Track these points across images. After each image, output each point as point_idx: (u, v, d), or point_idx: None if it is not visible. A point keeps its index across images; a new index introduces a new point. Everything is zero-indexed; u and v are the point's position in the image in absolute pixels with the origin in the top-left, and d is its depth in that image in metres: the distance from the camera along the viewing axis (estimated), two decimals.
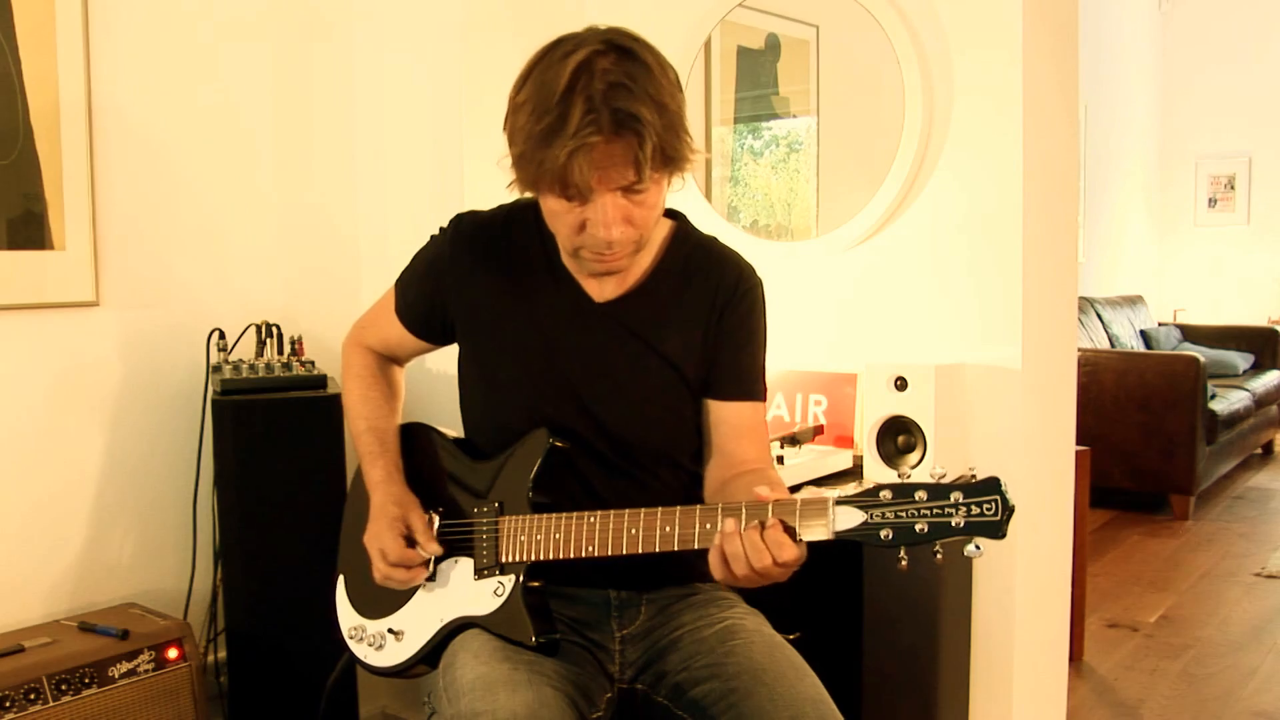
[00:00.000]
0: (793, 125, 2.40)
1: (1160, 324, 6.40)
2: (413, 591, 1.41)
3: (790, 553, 1.12)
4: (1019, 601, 2.01)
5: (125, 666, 1.93)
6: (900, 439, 1.95)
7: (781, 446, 1.98)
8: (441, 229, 1.46)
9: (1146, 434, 4.64)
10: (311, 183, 2.53)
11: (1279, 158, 6.84)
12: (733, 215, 2.42)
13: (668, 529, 1.21)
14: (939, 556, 1.09)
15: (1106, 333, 5.62)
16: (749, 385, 1.42)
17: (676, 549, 1.20)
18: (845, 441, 2.11)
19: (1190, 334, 6.36)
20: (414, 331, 1.51)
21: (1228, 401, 5.01)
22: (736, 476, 1.36)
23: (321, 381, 2.19)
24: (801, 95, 2.35)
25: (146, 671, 1.96)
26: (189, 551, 2.32)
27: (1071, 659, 2.74)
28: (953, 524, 1.07)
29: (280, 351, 2.25)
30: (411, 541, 1.38)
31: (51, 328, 2.12)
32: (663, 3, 2.42)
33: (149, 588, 2.27)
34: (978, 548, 1.07)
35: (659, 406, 1.39)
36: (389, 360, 1.59)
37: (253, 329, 2.26)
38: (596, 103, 1.14)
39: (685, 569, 1.42)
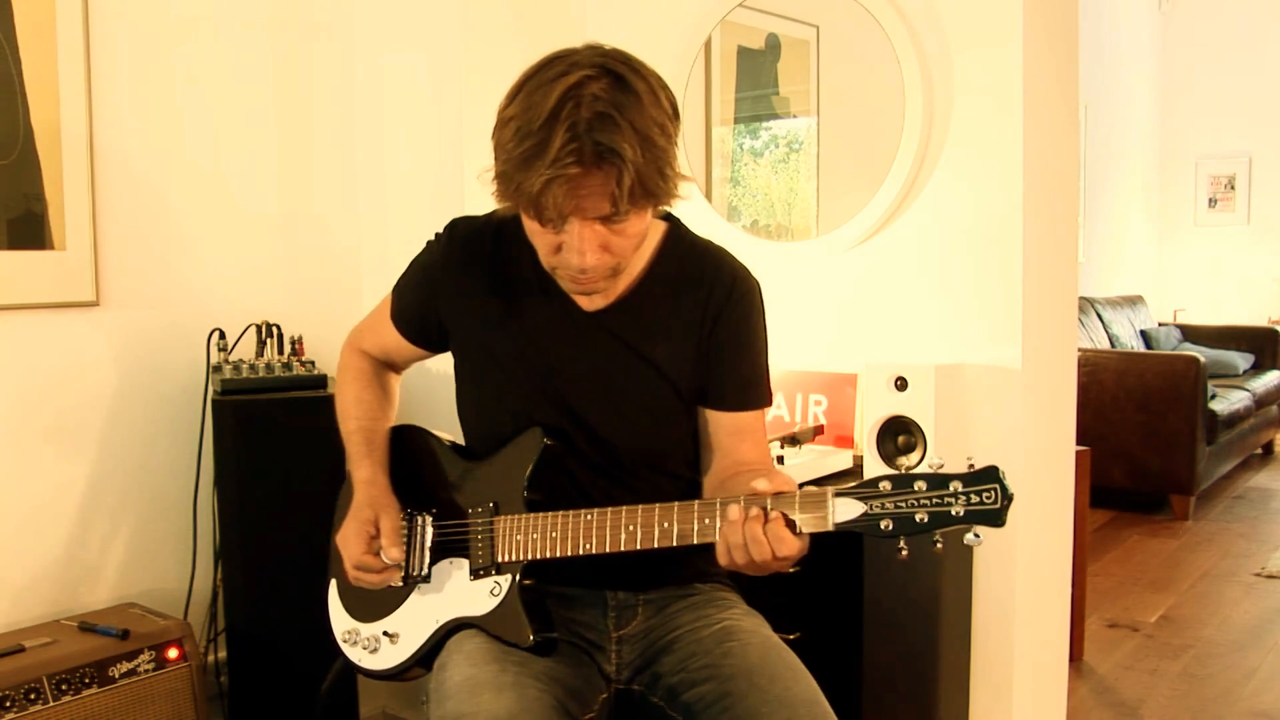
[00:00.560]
0: (793, 125, 2.40)
1: (1160, 324, 6.40)
2: (408, 594, 1.41)
3: (789, 547, 1.13)
4: (1019, 601, 2.01)
5: (125, 666, 1.93)
6: (900, 439, 1.95)
7: (781, 446, 1.98)
8: (437, 235, 1.45)
9: (1147, 434, 4.64)
10: (312, 182, 2.53)
11: (1279, 158, 6.84)
12: (733, 215, 2.42)
13: (666, 525, 1.21)
14: (939, 546, 1.09)
15: (1107, 333, 5.62)
16: (748, 393, 1.41)
17: (675, 544, 1.20)
18: (845, 441, 2.11)
19: (1190, 334, 6.36)
20: (409, 338, 1.51)
21: (1228, 401, 5.00)
22: (735, 475, 1.36)
23: (322, 381, 2.19)
24: (801, 95, 2.34)
25: (147, 671, 1.96)
26: (189, 551, 2.32)
27: (1071, 659, 2.74)
28: (953, 513, 1.07)
29: (280, 351, 2.25)
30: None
31: (52, 328, 2.13)
32: (663, 3, 2.42)
33: (149, 587, 2.27)
34: (977, 536, 1.07)
35: (651, 416, 1.38)
36: (386, 366, 1.59)
37: (253, 329, 2.26)
38: (579, 131, 1.12)
39: (683, 569, 1.42)
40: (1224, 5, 6.95)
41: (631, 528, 1.22)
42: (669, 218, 1.43)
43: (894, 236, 2.12)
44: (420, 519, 1.40)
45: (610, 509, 1.24)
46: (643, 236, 1.28)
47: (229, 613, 2.18)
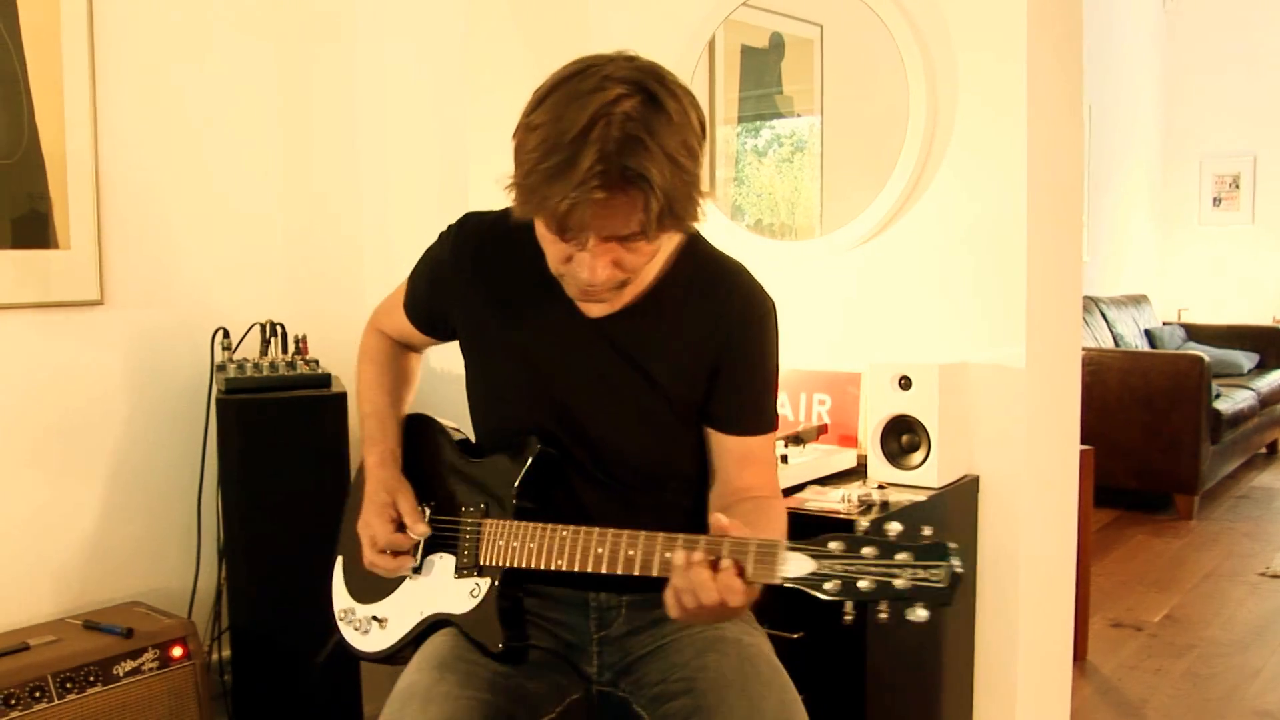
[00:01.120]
0: (797, 124, 2.39)
1: (1165, 323, 6.39)
2: (399, 581, 1.42)
3: (737, 598, 1.08)
4: (1023, 601, 2.01)
5: (130, 665, 1.94)
6: (904, 438, 1.95)
7: (785, 445, 1.98)
8: (450, 227, 1.45)
9: (1151, 433, 4.63)
10: (315, 182, 2.53)
11: None
12: (737, 215, 2.42)
13: (630, 553, 1.18)
14: (882, 617, 1.01)
15: (1111, 332, 5.61)
16: (753, 418, 1.38)
17: (637, 574, 1.17)
18: (849, 441, 2.11)
19: (1195, 333, 6.35)
20: (419, 328, 1.52)
21: (1232, 401, 4.99)
22: (734, 504, 1.32)
23: (325, 380, 2.19)
24: (806, 94, 2.34)
25: (151, 670, 1.96)
26: (193, 550, 2.32)
27: (1075, 659, 2.74)
28: (896, 585, 1.00)
29: (284, 350, 2.25)
30: (402, 526, 1.38)
31: (56, 327, 2.13)
32: (667, 1, 2.41)
33: (153, 586, 2.28)
34: (923, 613, 0.99)
35: (647, 427, 1.35)
36: (405, 347, 1.60)
37: (257, 328, 2.27)
38: (609, 152, 1.07)
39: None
40: (1229, 5, 6.93)
41: (600, 550, 1.21)
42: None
43: (898, 235, 2.12)
44: (422, 509, 1.41)
45: (584, 529, 1.23)
46: (656, 253, 1.25)
47: (233, 611, 2.18)
